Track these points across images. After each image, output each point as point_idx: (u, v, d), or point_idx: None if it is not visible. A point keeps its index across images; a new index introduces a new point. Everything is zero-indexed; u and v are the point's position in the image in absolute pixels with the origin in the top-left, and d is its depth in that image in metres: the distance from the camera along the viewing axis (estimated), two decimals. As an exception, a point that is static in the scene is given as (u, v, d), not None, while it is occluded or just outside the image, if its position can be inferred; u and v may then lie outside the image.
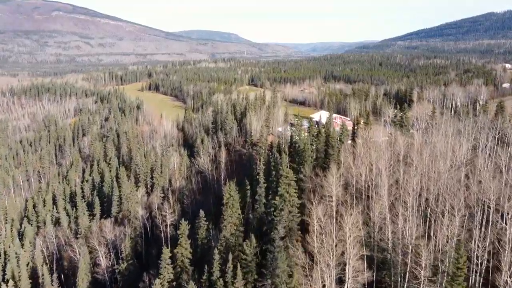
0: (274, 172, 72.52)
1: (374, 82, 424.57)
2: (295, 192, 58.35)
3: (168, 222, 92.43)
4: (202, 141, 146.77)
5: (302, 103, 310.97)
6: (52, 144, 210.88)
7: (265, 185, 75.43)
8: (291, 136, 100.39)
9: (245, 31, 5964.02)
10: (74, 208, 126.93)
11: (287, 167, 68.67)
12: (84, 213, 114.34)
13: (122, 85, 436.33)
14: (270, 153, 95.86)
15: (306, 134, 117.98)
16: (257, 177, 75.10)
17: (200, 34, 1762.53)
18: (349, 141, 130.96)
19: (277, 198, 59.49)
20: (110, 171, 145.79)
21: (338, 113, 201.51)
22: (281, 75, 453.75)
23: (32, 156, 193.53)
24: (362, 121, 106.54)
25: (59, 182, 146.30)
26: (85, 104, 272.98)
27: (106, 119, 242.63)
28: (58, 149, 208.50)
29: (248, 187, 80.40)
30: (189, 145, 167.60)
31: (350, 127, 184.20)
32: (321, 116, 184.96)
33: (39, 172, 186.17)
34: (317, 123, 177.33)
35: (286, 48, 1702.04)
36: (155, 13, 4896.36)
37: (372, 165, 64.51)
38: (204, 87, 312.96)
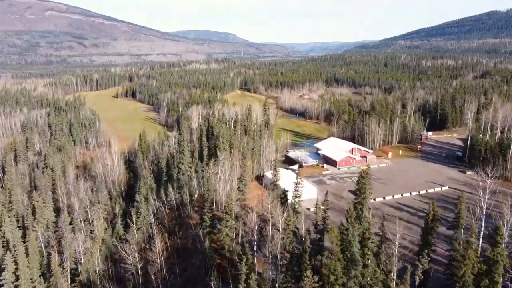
0: None
1: (382, 86, 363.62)
2: None
3: None
4: (141, 205, 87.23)
5: (302, 114, 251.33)
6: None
7: None
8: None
9: (242, 31, 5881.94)
10: None
11: None
12: None
13: (97, 90, 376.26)
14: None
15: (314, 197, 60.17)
16: None
17: (197, 34, 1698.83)
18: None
19: None
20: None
21: (352, 139, 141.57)
22: (278, 79, 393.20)
23: None
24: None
25: None
26: (33, 118, 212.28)
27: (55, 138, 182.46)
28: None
29: None
30: (133, 196, 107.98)
31: (374, 165, 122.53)
32: (331, 146, 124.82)
33: None
34: (323, 158, 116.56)
35: (284, 48, 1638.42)
36: (151, 13, 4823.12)
37: None
38: (182, 96, 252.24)
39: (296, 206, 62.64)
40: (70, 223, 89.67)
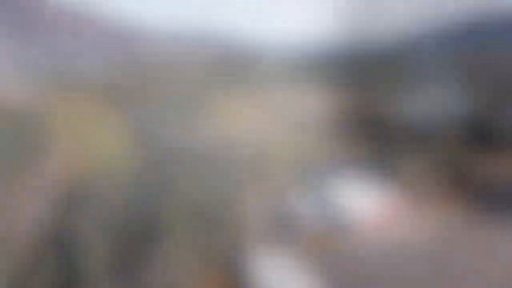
0: None
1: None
2: None
3: None
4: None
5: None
6: None
7: None
8: None
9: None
10: None
11: None
12: None
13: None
14: None
15: None
16: None
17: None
18: None
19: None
20: None
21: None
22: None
23: None
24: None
25: None
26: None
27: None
28: None
29: None
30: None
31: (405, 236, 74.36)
32: (343, 190, 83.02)
33: None
34: (333, 215, 75.81)
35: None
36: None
37: None
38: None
39: None
40: None
